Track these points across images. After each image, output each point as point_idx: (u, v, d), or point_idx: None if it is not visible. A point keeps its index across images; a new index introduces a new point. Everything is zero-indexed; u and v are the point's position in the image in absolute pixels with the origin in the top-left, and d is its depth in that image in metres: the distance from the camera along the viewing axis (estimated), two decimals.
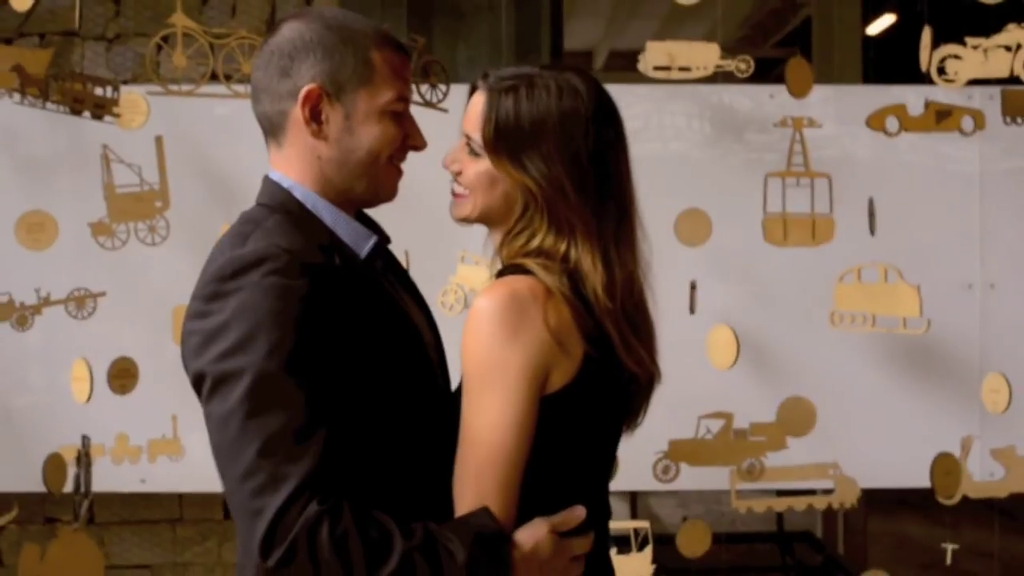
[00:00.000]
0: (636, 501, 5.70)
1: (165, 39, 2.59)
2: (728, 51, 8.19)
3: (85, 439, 2.40)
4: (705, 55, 2.60)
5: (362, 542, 1.25)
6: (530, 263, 1.38)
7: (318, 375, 1.27)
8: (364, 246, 1.44)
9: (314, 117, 1.38)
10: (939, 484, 2.58)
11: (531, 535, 1.36)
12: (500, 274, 1.43)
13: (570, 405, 1.37)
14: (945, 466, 2.57)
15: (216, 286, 1.29)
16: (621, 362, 1.40)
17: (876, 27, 6.12)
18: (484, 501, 1.34)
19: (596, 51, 8.19)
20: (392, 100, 1.40)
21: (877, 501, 6.12)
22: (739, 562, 4.51)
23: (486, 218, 1.46)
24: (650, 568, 2.62)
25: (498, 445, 1.33)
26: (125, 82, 3.18)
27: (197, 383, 1.31)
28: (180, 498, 3.34)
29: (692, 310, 2.64)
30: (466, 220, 1.47)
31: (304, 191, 1.41)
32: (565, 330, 1.35)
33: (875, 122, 2.59)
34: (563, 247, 1.38)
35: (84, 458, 2.45)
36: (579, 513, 1.40)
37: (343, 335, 1.30)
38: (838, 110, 2.87)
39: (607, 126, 1.42)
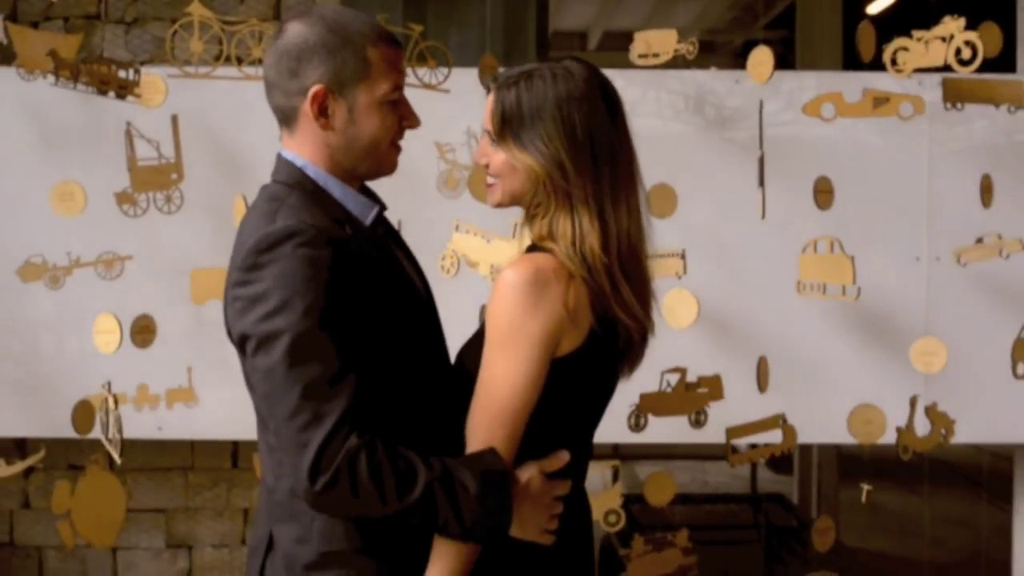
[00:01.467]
0: (620, 467, 5.96)
1: (181, 25, 2.84)
2: (718, 32, 8.29)
3: (108, 385, 2.66)
4: (666, 41, 2.84)
5: (393, 471, 1.46)
6: (556, 248, 1.58)
7: (344, 330, 1.48)
8: (368, 215, 1.66)
9: (322, 112, 1.59)
10: (858, 432, 2.84)
11: (524, 474, 1.59)
12: (528, 251, 1.64)
13: (572, 369, 1.59)
14: (864, 416, 2.83)
15: (254, 258, 1.50)
16: (618, 322, 1.61)
17: (876, 6, 6.28)
18: (493, 441, 1.55)
19: (590, 31, 8.33)
20: (389, 91, 1.61)
21: (853, 471, 6.35)
22: (717, 521, 4.79)
23: (516, 201, 1.66)
24: (619, 500, 2.90)
25: (510, 399, 1.55)
26: (143, 63, 3.43)
27: (242, 342, 1.52)
28: (192, 447, 3.58)
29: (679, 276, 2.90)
30: (500, 205, 1.67)
31: (315, 170, 1.62)
32: (580, 308, 1.56)
33: (811, 109, 2.83)
34: (570, 223, 1.58)
35: (105, 404, 2.71)
36: (563, 457, 1.63)
37: (358, 294, 1.51)
38: (800, 94, 3.11)
39: (601, 102, 1.61)
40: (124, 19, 3.46)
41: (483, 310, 2.74)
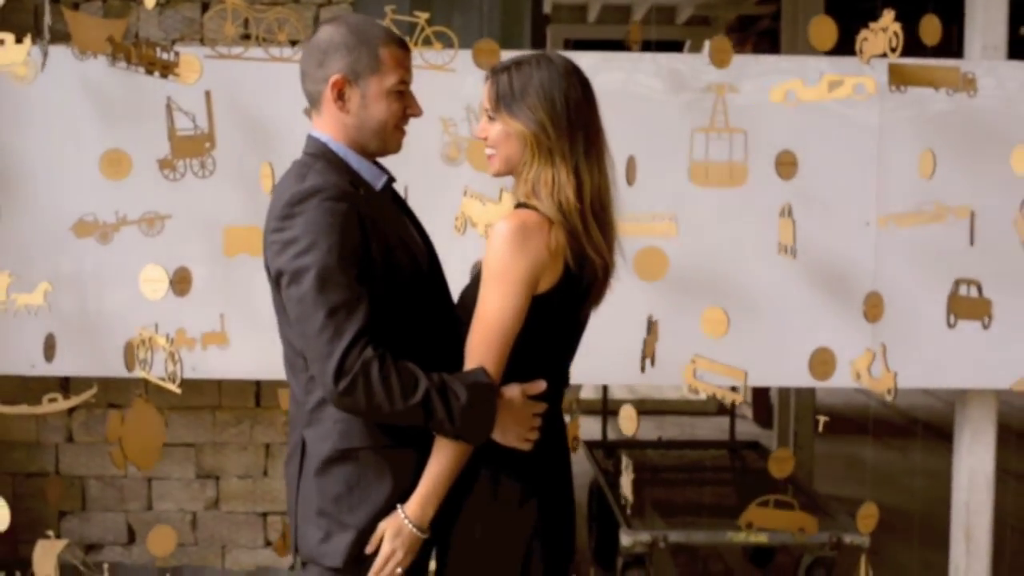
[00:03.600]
0: (607, 422, 6.36)
1: (206, 8, 3.20)
2: (713, 7, 8.49)
3: (155, 327, 3.05)
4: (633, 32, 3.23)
5: (399, 378, 1.85)
6: (539, 204, 1.97)
7: (359, 265, 1.86)
8: (378, 182, 2.06)
9: (340, 97, 1.99)
10: (817, 372, 3.24)
11: (508, 392, 1.98)
12: (516, 208, 2.02)
13: (550, 303, 1.98)
14: (822, 357, 3.23)
15: (287, 209, 1.89)
16: (587, 259, 1.98)
17: None
18: (485, 361, 1.94)
19: (590, 4, 8.58)
20: (395, 83, 2.00)
21: (834, 427, 6.68)
22: (697, 464, 5.17)
23: (511, 167, 2.05)
24: (578, 428, 3.31)
25: (499, 326, 1.94)
26: (174, 41, 3.80)
27: (278, 277, 1.91)
28: (220, 388, 3.96)
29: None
30: (499, 173, 2.08)
31: (337, 144, 2.02)
32: (560, 249, 1.96)
33: (776, 95, 3.20)
34: (551, 176, 1.97)
35: (149, 343, 3.09)
36: (540, 384, 2.02)
37: (368, 239, 1.90)
38: (759, 76, 3.46)
39: (575, 82, 2.02)
40: (158, 1, 3.82)
41: (476, 262, 3.13)
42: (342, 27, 2.00)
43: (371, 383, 1.83)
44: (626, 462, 3.24)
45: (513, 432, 2.00)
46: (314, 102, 2.04)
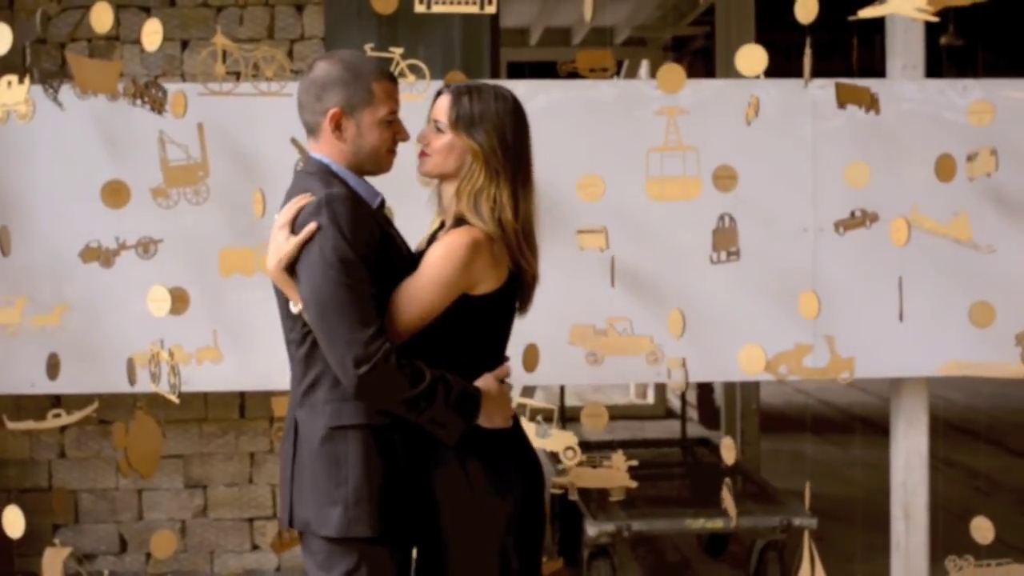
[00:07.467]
0: (565, 424, 6.62)
1: (185, 45, 3.44)
2: (648, 28, 8.79)
3: (160, 342, 3.28)
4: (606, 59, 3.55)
5: (410, 369, 2.12)
6: (477, 221, 2.25)
7: (377, 266, 2.14)
8: (375, 200, 2.32)
9: (338, 127, 2.24)
10: (759, 367, 3.56)
11: (485, 383, 2.26)
12: (459, 222, 2.30)
13: (498, 300, 2.30)
14: (762, 353, 3.56)
15: (318, 208, 2.13)
16: (521, 269, 2.30)
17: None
18: (402, 323, 2.16)
19: (532, 28, 8.89)
20: (386, 114, 2.27)
21: (777, 425, 7.02)
22: (652, 461, 5.46)
23: (441, 174, 2.34)
24: (575, 439, 3.56)
25: (425, 311, 2.19)
26: (156, 77, 4.04)
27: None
28: (206, 401, 4.19)
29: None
30: (427, 175, 2.37)
31: (337, 166, 2.27)
32: (502, 258, 2.27)
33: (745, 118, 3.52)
34: (494, 195, 2.27)
35: (156, 358, 3.32)
36: (508, 367, 2.34)
37: (386, 244, 2.19)
38: (713, 99, 3.76)
39: (519, 117, 2.34)
40: (139, 40, 4.04)
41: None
42: (338, 64, 2.24)
43: (388, 371, 2.09)
44: (621, 457, 3.50)
45: (499, 415, 2.28)
46: (312, 130, 2.28)
